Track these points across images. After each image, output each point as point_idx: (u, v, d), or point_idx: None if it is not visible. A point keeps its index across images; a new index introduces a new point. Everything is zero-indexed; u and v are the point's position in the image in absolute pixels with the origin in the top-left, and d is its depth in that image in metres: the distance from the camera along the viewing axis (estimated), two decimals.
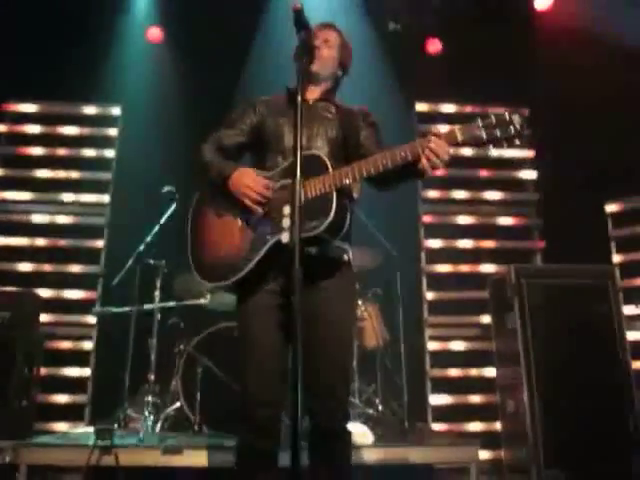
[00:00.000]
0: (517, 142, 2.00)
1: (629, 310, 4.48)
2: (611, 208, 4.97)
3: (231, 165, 2.27)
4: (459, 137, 2.00)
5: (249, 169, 2.25)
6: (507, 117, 1.98)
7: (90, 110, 5.45)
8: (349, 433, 2.22)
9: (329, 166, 2.11)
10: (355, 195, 2.31)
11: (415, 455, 3.56)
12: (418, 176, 2.11)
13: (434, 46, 5.79)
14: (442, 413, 4.85)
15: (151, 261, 4.20)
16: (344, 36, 2.50)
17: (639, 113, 4.76)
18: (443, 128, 2.12)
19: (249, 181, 2.19)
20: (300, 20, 1.99)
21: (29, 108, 5.39)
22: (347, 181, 2.08)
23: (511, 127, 1.97)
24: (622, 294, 4.34)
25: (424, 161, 2.01)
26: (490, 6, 5.34)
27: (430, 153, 2.00)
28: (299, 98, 1.86)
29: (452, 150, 2.03)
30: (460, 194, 5.44)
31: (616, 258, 4.88)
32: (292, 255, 1.67)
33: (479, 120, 2.00)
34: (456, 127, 2.02)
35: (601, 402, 3.93)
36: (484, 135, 1.98)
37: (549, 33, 5.34)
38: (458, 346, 5.05)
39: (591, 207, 4.95)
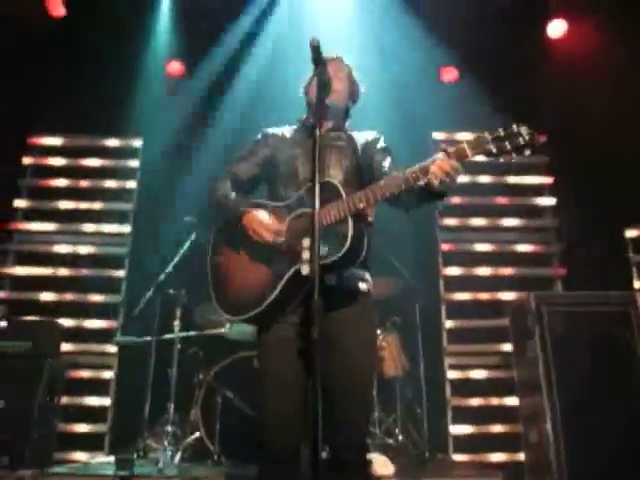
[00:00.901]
0: (527, 153, 2.00)
1: None
2: (631, 234, 4.93)
3: (242, 206, 2.30)
4: (469, 152, 2.01)
5: (259, 213, 2.27)
6: (515, 129, 1.98)
7: (112, 143, 5.57)
8: (368, 464, 2.20)
9: (342, 192, 2.14)
10: (370, 219, 2.32)
11: None
12: (436, 197, 2.12)
13: (450, 75, 5.85)
14: (463, 443, 4.78)
15: (171, 291, 4.24)
16: (351, 67, 2.56)
17: None
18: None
19: (259, 228, 2.22)
20: (318, 55, 2.04)
21: (54, 141, 5.53)
22: (361, 205, 2.10)
23: (520, 138, 1.97)
24: None
25: (432, 179, 2.01)
26: (505, 35, 5.40)
27: (437, 170, 2.00)
28: (317, 132, 1.90)
29: (459, 164, 2.02)
30: (478, 221, 5.43)
31: (637, 284, 4.82)
32: (312, 287, 1.69)
33: (487, 133, 2.01)
34: (465, 142, 2.02)
35: (626, 430, 3.85)
36: (493, 148, 1.99)
37: (564, 61, 5.39)
38: (479, 375, 4.99)
39: (611, 233, 4.91)
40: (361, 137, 2.47)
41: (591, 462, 3.80)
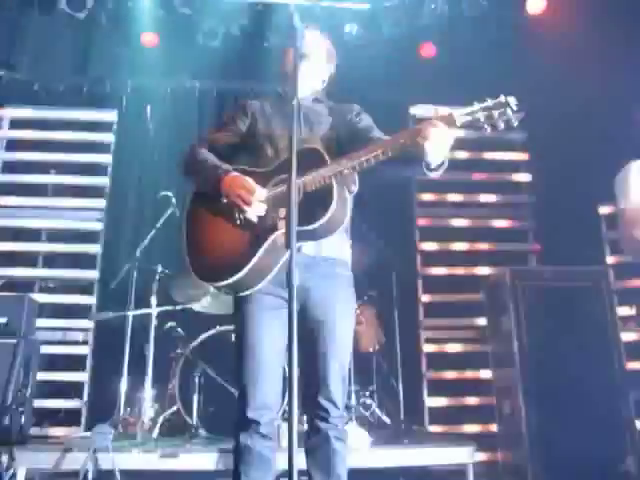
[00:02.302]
0: (515, 124, 2.03)
1: (623, 311, 4.49)
2: (605, 210, 4.99)
3: (223, 168, 2.25)
4: (457, 120, 2.02)
5: (241, 177, 2.21)
6: (503, 99, 2.01)
7: (87, 116, 5.46)
8: (346, 435, 2.23)
9: (327, 158, 2.12)
10: (353, 188, 2.31)
11: (411, 457, 3.59)
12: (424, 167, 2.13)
13: (429, 50, 5.83)
14: (438, 415, 4.86)
15: (148, 265, 4.22)
16: (328, 38, 2.54)
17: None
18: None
19: (241, 190, 2.16)
20: (294, 25, 2.03)
21: (25, 113, 5.39)
22: (347, 171, 2.09)
23: (508, 109, 1.99)
24: (616, 295, 4.36)
25: (426, 144, 2.01)
26: (484, 10, 5.38)
27: (430, 135, 2.00)
28: (296, 99, 1.88)
29: (454, 133, 2.03)
30: (455, 197, 5.47)
31: (610, 260, 4.90)
32: (289, 257, 1.68)
33: (477, 103, 2.02)
34: (454, 111, 2.04)
35: (596, 403, 3.95)
36: (482, 118, 2.01)
37: (543, 37, 5.39)
38: (454, 348, 5.06)
39: (585, 209, 4.97)
40: (341, 108, 2.46)
41: (562, 434, 3.89)
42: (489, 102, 2.01)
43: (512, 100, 2.00)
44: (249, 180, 2.19)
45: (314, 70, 2.43)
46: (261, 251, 2.12)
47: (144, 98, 5.37)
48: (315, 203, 2.06)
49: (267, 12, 5.18)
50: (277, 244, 2.06)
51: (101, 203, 5.22)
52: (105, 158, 5.36)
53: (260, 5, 5.17)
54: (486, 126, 2.01)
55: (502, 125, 2.01)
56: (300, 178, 2.05)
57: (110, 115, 5.45)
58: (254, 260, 2.12)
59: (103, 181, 5.29)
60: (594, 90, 4.85)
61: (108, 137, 5.41)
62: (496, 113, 1.99)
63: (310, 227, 2.03)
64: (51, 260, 5.09)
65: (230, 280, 2.15)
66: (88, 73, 5.23)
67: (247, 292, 2.20)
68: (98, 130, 5.44)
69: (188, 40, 5.45)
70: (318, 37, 2.48)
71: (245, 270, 2.13)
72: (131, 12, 5.43)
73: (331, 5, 4.96)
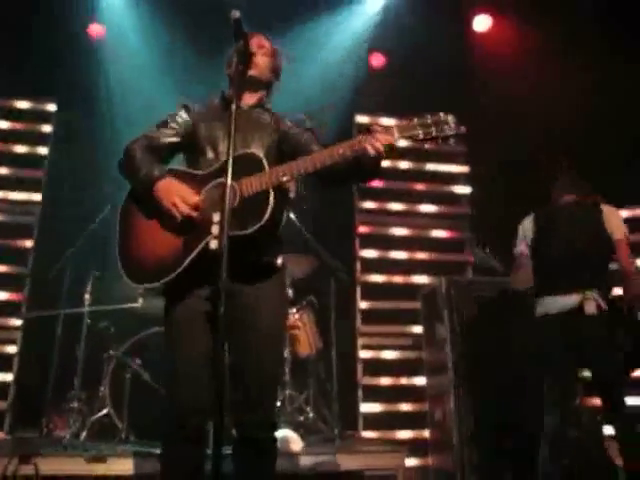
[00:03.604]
0: (451, 141, 2.11)
1: None
2: None
3: (156, 172, 2.20)
4: (396, 134, 2.07)
5: (174, 182, 2.18)
6: (442, 117, 2.08)
7: (24, 105, 5.27)
8: (275, 442, 2.22)
9: (265, 164, 2.12)
10: (291, 195, 2.33)
11: (344, 462, 3.60)
12: (363, 173, 2.18)
13: (377, 60, 5.91)
14: (373, 421, 4.92)
15: (82, 263, 4.10)
16: (274, 44, 2.54)
17: (575, 132, 4.99)
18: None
19: (175, 198, 2.12)
20: (239, 29, 2.03)
21: None
22: (285, 178, 2.09)
23: (446, 127, 2.06)
24: None
25: (366, 150, 2.06)
26: (432, 24, 5.49)
27: (371, 142, 2.05)
28: (234, 105, 1.88)
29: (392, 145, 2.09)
30: (396, 206, 5.56)
31: None
32: (220, 262, 1.67)
33: (416, 119, 2.08)
34: (394, 125, 2.09)
35: (526, 412, 4.07)
36: (420, 134, 2.06)
37: (487, 54, 5.56)
38: (390, 355, 5.14)
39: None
40: (285, 117, 2.45)
41: (492, 441, 4.00)
42: (428, 119, 2.07)
43: (450, 118, 2.07)
44: (182, 186, 2.16)
45: (262, 74, 2.42)
46: (193, 255, 2.10)
47: (87, 89, 5.21)
48: (251, 208, 2.05)
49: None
50: (209, 248, 2.04)
51: (36, 196, 5.06)
52: (42, 150, 5.20)
53: None
54: (424, 140, 2.07)
55: (439, 141, 2.08)
56: (237, 182, 2.05)
57: (50, 105, 5.29)
58: (185, 264, 2.10)
59: (39, 174, 5.13)
60: (533, 106, 5.03)
61: (47, 128, 5.25)
62: (434, 130, 2.06)
63: (243, 232, 2.02)
64: None
65: (159, 283, 2.12)
66: (29, 61, 5.03)
67: (177, 295, 2.18)
68: (36, 120, 5.27)
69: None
70: (264, 42, 2.47)
71: (175, 273, 2.10)
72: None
73: None
